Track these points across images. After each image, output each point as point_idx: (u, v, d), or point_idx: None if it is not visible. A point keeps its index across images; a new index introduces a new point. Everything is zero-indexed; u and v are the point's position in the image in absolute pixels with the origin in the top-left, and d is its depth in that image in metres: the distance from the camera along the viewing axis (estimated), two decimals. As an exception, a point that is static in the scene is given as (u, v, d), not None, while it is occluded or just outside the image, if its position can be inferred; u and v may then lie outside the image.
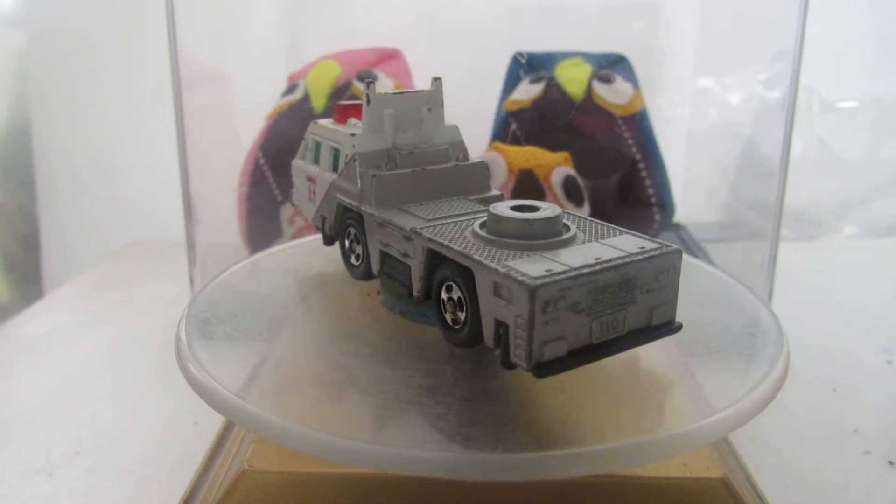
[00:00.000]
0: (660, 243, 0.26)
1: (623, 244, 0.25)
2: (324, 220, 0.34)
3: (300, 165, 0.35)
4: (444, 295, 0.26)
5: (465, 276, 0.25)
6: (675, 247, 0.25)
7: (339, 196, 0.32)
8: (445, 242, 0.25)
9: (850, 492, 0.35)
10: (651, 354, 0.28)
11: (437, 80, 0.32)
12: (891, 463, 0.37)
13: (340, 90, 0.53)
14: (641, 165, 0.53)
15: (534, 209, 0.26)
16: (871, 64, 0.75)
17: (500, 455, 0.22)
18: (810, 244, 0.75)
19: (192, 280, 0.53)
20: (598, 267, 0.23)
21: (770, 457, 0.37)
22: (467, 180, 0.32)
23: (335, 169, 0.32)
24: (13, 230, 0.78)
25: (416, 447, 0.22)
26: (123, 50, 0.75)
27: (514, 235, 0.25)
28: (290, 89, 0.55)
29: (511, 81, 0.58)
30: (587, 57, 0.56)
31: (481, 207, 0.30)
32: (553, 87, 0.54)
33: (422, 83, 0.59)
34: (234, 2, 0.61)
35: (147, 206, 0.74)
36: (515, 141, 0.53)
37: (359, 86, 0.53)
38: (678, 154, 0.63)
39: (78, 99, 0.76)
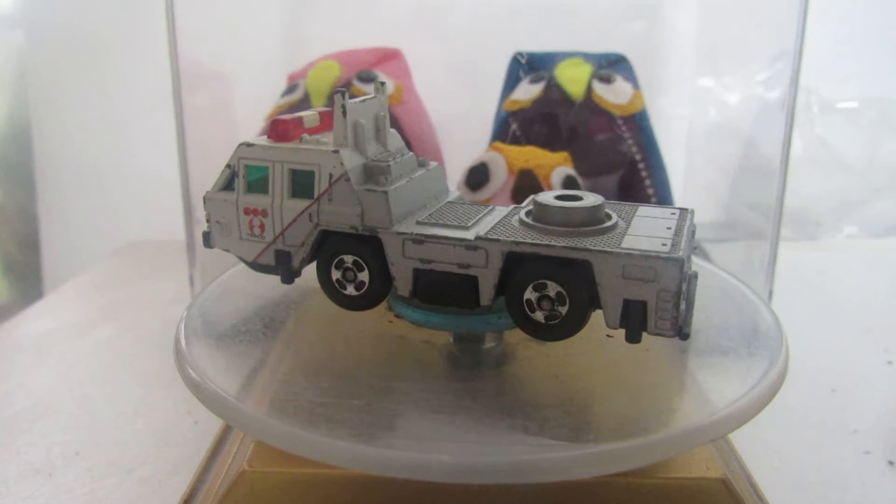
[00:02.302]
0: (673, 207, 0.29)
1: (658, 214, 0.28)
2: (287, 255, 0.29)
3: (227, 199, 0.30)
4: (530, 295, 0.26)
5: (568, 268, 0.25)
6: (687, 207, 0.28)
7: (325, 223, 0.28)
8: (541, 242, 0.25)
9: (850, 492, 0.35)
10: (651, 354, 0.28)
11: (382, 85, 0.31)
12: (891, 463, 0.37)
13: (340, 90, 0.53)
14: (641, 165, 0.53)
15: (575, 198, 0.27)
16: (871, 64, 0.75)
17: (499, 457, 0.22)
18: (810, 244, 0.75)
19: (192, 280, 0.53)
20: (685, 235, 0.26)
21: (770, 457, 0.37)
22: (436, 184, 0.31)
23: (303, 194, 0.29)
24: (13, 230, 0.78)
25: (414, 450, 0.22)
26: (123, 50, 0.75)
27: (584, 223, 0.26)
28: (290, 89, 0.55)
29: (511, 81, 0.58)
30: (587, 57, 0.56)
31: (486, 207, 0.29)
32: (553, 87, 0.54)
33: (422, 83, 0.59)
34: (234, 2, 0.61)
35: (147, 206, 0.74)
36: (515, 141, 0.53)
37: (359, 86, 0.53)
38: (678, 154, 0.63)
39: (78, 99, 0.76)
